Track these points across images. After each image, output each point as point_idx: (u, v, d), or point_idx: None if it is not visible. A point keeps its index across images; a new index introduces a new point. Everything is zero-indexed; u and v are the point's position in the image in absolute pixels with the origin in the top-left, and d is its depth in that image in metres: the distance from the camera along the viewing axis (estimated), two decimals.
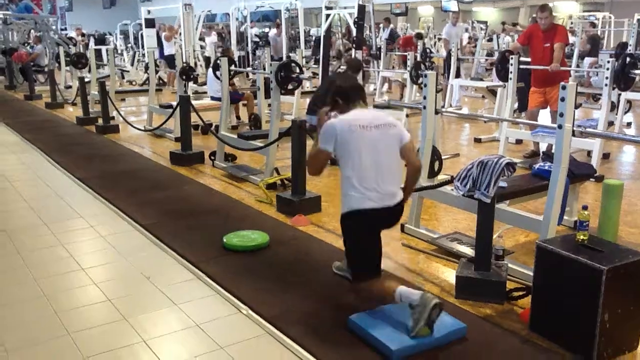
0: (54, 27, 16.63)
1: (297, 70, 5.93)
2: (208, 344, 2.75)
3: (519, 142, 7.29)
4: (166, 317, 3.03)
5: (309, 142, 4.81)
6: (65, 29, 25.36)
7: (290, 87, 5.96)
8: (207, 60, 12.06)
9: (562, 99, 3.15)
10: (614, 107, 7.04)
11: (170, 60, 13.12)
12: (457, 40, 11.17)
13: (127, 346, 2.73)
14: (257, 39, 17.45)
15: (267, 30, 18.55)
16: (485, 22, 23.34)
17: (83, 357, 2.63)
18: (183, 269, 3.63)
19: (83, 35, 20.41)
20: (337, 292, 3.26)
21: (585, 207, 2.88)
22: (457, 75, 10.51)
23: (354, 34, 10.40)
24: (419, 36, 13.42)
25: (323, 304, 3.13)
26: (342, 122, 3.01)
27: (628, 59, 5.80)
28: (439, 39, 19.15)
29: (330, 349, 2.66)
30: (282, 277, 3.48)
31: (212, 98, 8.52)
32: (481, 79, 11.25)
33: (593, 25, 16.19)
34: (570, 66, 9.38)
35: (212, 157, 6.44)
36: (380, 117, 3.07)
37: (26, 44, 15.38)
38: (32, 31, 15.76)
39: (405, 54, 10.70)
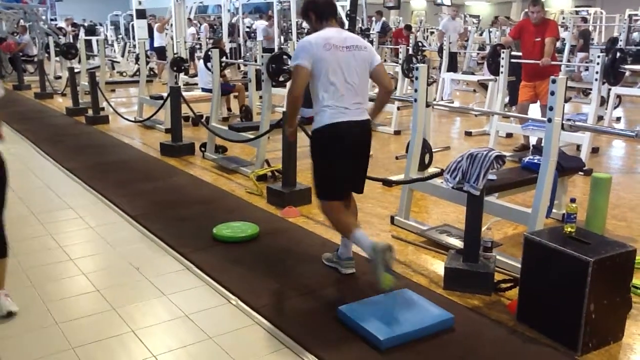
0: (43, 17, 16.46)
1: (289, 62, 5.91)
2: (197, 334, 2.75)
3: (509, 135, 7.32)
4: (155, 307, 3.03)
5: (300, 135, 4.81)
6: (55, 19, 25.10)
7: (281, 79, 5.94)
8: (190, 51, 12.02)
9: (552, 93, 3.17)
10: (603, 101, 7.09)
11: (160, 52, 13.05)
12: (455, 34, 11.19)
13: (115, 336, 2.73)
14: (248, 30, 17.38)
15: (253, 22, 18.37)
16: (478, 17, 23.37)
17: (72, 346, 2.63)
18: (172, 259, 3.62)
19: (74, 25, 20.21)
20: (326, 283, 3.27)
21: (573, 200, 2.90)
22: (450, 69, 10.52)
23: (346, 26, 10.39)
24: (408, 28, 13.44)
25: (312, 294, 3.14)
26: (317, 38, 3.08)
27: (618, 54, 5.83)
28: (431, 33, 19.19)
29: (319, 339, 2.67)
30: (271, 268, 3.48)
31: (203, 89, 8.48)
32: (473, 73, 11.27)
33: (585, 20, 16.26)
34: (560, 61, 9.42)
35: (203, 149, 6.42)
36: (352, 38, 3.18)
37: (15, 34, 15.22)
38: (22, 21, 15.61)
39: (397, 47, 10.71)
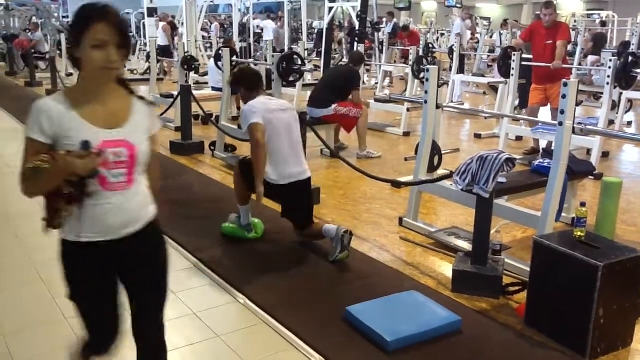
0: (55, 15, 16.57)
1: (299, 62, 5.92)
2: (205, 332, 2.76)
3: (519, 138, 7.29)
4: None
5: (310, 135, 4.83)
6: (68, 16, 25.25)
7: (291, 79, 5.95)
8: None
9: (564, 96, 3.16)
10: (614, 106, 7.03)
11: (163, 51, 13.14)
12: (468, 35, 11.22)
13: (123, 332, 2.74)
14: (259, 31, 17.41)
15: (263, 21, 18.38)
16: (489, 19, 23.30)
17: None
18: (181, 257, 3.64)
19: None
20: (334, 283, 3.28)
21: (583, 204, 2.88)
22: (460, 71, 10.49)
23: (357, 27, 10.39)
24: (405, 29, 13.40)
25: (320, 294, 3.14)
26: (257, 103, 3.52)
27: (630, 58, 5.79)
28: (442, 35, 19.15)
29: (326, 339, 2.67)
30: (279, 267, 3.49)
31: (213, 88, 8.51)
32: (483, 75, 11.24)
33: (604, 24, 16.24)
34: (572, 64, 9.37)
35: (212, 148, 6.44)
36: (283, 103, 3.71)
37: (27, 31, 15.33)
38: (34, 18, 15.72)
39: (408, 49, 10.70)
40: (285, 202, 3.73)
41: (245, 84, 3.74)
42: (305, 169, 3.69)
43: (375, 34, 12.80)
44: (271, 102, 3.62)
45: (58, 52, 14.08)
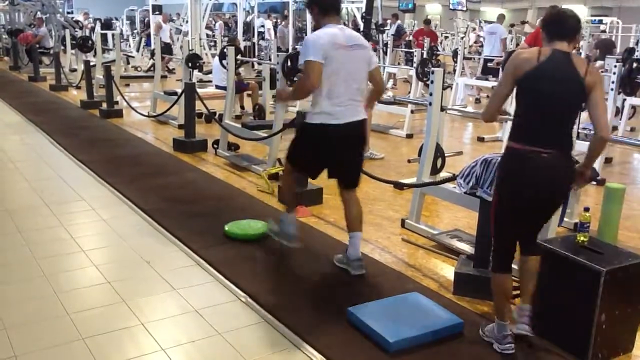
0: (60, 10, 16.59)
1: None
2: (206, 329, 2.76)
3: None
4: (165, 301, 3.04)
5: None
6: (72, 12, 25.28)
7: (296, 78, 5.94)
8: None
9: None
10: (618, 112, 7.03)
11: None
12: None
13: (125, 328, 2.75)
14: (262, 29, 17.43)
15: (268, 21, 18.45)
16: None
17: (82, 337, 2.65)
18: (183, 254, 3.64)
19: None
20: (336, 283, 3.28)
21: (587, 209, 2.88)
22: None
23: (361, 28, 10.37)
24: (427, 22, 13.29)
25: (322, 294, 3.15)
26: (325, 35, 3.14)
27: (635, 64, 5.78)
28: (446, 37, 19.17)
29: (327, 339, 2.67)
30: (281, 266, 3.50)
31: (217, 87, 8.52)
32: (487, 79, 11.22)
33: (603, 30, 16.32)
34: None
35: (215, 146, 6.45)
36: (353, 37, 3.27)
37: (32, 26, 15.35)
38: (39, 13, 15.73)
39: (413, 50, 10.68)
40: (322, 148, 3.32)
41: (320, 5, 3.23)
42: (358, 110, 3.29)
43: (380, 35, 12.76)
44: (340, 35, 3.16)
45: (62, 47, 14.11)
